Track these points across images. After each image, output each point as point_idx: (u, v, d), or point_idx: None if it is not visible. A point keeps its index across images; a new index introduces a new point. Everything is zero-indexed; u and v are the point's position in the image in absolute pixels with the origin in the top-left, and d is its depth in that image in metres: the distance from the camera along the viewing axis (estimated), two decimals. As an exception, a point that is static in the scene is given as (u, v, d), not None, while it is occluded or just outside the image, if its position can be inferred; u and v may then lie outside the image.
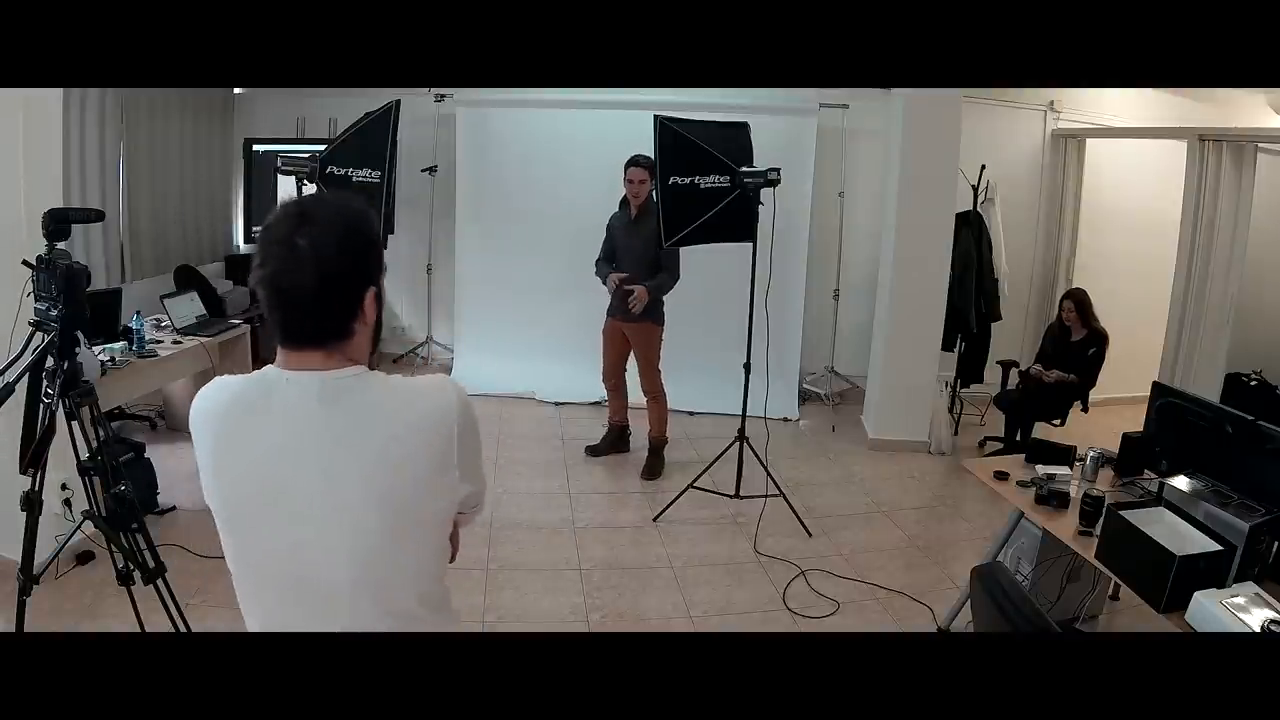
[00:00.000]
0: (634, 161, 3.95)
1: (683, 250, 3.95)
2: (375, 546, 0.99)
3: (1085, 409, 4.49)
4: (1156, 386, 2.78)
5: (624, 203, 4.08)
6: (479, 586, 3.10)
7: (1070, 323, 4.51)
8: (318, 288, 0.94)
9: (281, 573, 1.01)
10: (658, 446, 4.27)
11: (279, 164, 3.88)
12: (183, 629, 2.39)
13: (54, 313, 2.10)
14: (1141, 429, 2.72)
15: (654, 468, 4.23)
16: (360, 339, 1.01)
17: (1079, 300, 4.49)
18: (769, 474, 3.83)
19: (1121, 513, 2.15)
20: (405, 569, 1.02)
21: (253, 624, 1.07)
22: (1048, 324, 4.90)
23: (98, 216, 2.56)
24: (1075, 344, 4.47)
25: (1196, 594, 1.88)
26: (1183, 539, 2.03)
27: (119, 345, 3.58)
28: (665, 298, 4.09)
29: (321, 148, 4.21)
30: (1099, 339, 4.41)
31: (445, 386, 1.02)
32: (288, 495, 0.97)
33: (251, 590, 1.05)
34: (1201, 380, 4.26)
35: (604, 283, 4.10)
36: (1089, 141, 5.52)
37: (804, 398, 5.54)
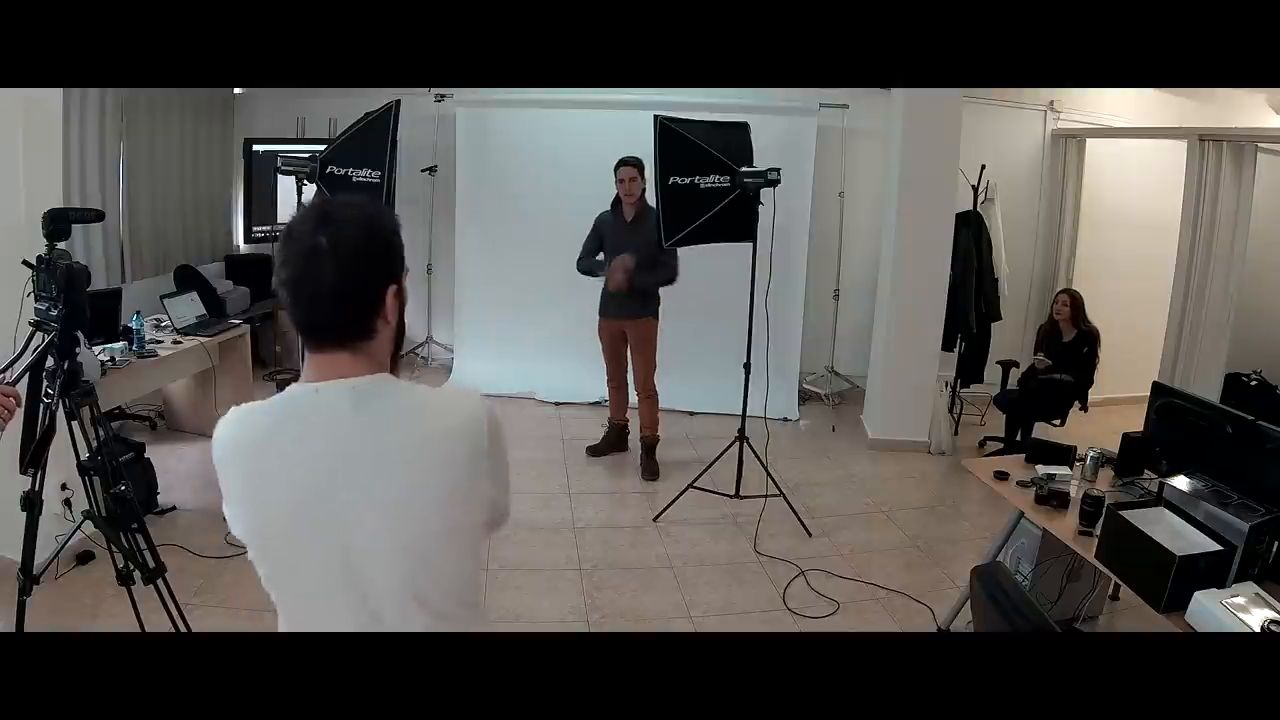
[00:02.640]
0: (625, 161, 3.96)
1: (683, 250, 3.95)
2: (419, 549, 1.00)
3: (1085, 409, 4.49)
4: (1156, 386, 2.78)
5: (615, 204, 4.07)
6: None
7: (1061, 320, 4.51)
8: (337, 286, 0.95)
9: (331, 583, 0.99)
10: (651, 445, 4.27)
11: (279, 164, 3.88)
12: (183, 629, 2.39)
13: (54, 313, 2.10)
14: (1141, 429, 2.72)
15: (651, 468, 4.23)
16: (383, 338, 1.02)
17: (1075, 298, 4.50)
18: (769, 474, 3.83)
19: (1121, 513, 2.15)
20: (446, 571, 1.04)
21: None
22: (1039, 326, 4.90)
23: (97, 216, 2.56)
24: (1067, 345, 4.48)
25: (1196, 594, 1.89)
26: (1183, 539, 2.03)
27: (119, 345, 3.58)
28: (665, 294, 4.09)
29: (321, 148, 4.20)
30: (1089, 338, 4.42)
31: (475, 396, 1.05)
32: (331, 505, 0.96)
33: (298, 608, 1.05)
34: (1201, 380, 4.26)
35: (594, 273, 4.08)
36: (1089, 141, 5.52)
37: (804, 398, 5.53)
